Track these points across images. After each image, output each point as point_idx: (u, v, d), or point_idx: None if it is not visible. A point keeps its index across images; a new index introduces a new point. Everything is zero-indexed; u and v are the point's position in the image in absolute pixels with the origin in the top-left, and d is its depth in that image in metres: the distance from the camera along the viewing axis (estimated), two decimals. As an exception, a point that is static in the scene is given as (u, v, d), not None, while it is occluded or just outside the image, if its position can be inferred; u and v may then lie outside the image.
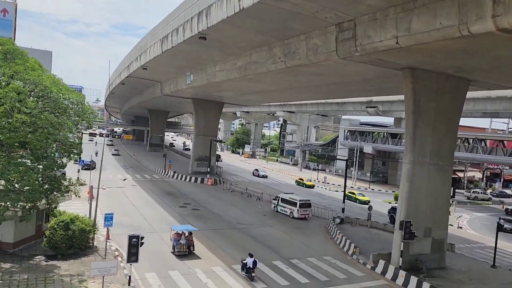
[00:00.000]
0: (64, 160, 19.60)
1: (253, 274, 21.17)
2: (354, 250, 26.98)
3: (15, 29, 77.34)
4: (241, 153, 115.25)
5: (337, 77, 29.61)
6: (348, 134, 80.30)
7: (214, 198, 44.45)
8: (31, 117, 16.49)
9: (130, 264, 17.09)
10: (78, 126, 20.03)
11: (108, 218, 22.31)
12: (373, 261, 24.77)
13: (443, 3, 15.98)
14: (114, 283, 18.83)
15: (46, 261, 21.29)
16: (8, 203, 16.37)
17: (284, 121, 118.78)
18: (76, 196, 21.31)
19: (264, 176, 68.88)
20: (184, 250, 24.48)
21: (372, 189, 66.50)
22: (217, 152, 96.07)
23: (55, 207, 22.15)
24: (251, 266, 21.09)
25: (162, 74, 49.38)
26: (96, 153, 73.69)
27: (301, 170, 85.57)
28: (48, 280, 18.88)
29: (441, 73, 23.83)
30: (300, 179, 65.26)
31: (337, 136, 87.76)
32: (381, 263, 24.10)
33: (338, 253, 27.63)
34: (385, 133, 73.57)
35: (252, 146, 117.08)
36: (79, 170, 47.30)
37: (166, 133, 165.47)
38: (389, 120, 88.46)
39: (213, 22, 25.06)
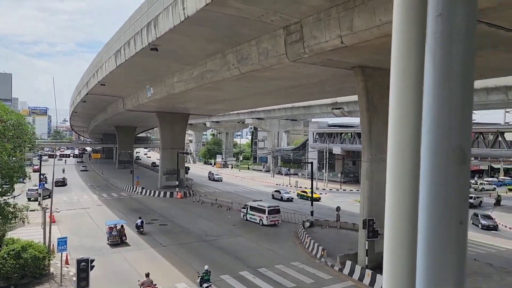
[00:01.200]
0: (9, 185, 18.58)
1: None
2: (322, 253, 26.77)
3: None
4: (213, 163, 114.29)
5: (293, 80, 29.56)
6: (317, 137, 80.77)
7: (183, 211, 43.58)
8: (-38, 142, 15.64)
9: (81, 290, 16.22)
10: (21, 148, 19.04)
11: (61, 243, 21.32)
12: (340, 262, 24.59)
13: (380, 0, 16.05)
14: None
15: (-3, 294, 20.14)
16: None
17: (255, 128, 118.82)
18: (24, 222, 20.24)
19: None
20: (116, 240, 29.61)
21: (344, 190, 66.93)
22: (188, 164, 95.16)
23: (3, 235, 20.92)
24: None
25: (121, 89, 48.43)
26: (63, 170, 73.26)
27: (273, 176, 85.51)
28: (-3, 314, 17.78)
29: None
30: (303, 191, 57.21)
31: (307, 140, 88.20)
32: (348, 263, 23.94)
33: (307, 257, 27.34)
34: (352, 133, 74.38)
35: (224, 155, 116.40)
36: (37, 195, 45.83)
37: (138, 149, 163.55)
38: (356, 121, 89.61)
39: (161, 33, 24.62)
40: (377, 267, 23.65)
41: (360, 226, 23.91)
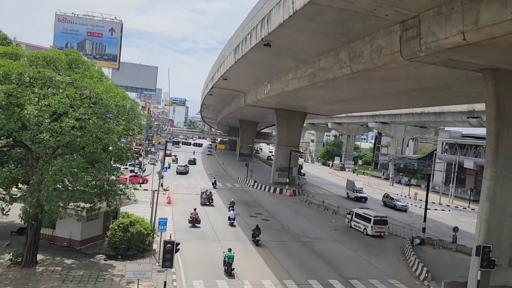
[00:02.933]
0: (119, 165, 20.43)
1: None
2: (426, 275, 23.97)
3: (120, 46, 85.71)
4: (330, 165, 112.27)
5: (412, 82, 26.97)
6: (446, 147, 73.45)
7: (288, 209, 43.47)
8: (80, 121, 17.55)
9: (165, 270, 17.00)
10: (129, 132, 20.76)
11: (162, 223, 22.73)
12: (444, 289, 21.71)
13: (514, -12, 13.45)
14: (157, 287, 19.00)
15: (105, 260, 22.36)
16: (60, 202, 17.40)
17: (379, 133, 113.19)
18: (130, 199, 22.13)
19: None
20: (205, 201, 41.08)
21: (472, 209, 59.54)
22: (304, 163, 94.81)
23: (114, 209, 23.13)
24: None
25: (241, 84, 50.18)
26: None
27: (392, 185, 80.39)
28: (100, 278, 19.72)
29: (532, 73, 20.26)
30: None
31: (435, 150, 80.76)
32: (454, 293, 20.99)
33: (408, 277, 24.79)
34: (489, 147, 65.64)
35: (344, 158, 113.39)
36: (162, 176, 50.24)
37: (261, 144, 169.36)
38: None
39: (272, 28, 24.60)
40: (490, 303, 20.35)
41: (473, 253, 20.70)
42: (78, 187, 18.22)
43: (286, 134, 60.40)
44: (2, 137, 17.91)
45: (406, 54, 19.92)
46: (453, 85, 26.41)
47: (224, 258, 22.69)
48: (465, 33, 15.83)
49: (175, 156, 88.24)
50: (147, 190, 44.15)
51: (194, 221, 32.48)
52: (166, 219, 23.29)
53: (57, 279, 18.97)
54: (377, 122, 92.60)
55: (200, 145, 79.10)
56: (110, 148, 19.51)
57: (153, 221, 25.61)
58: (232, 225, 33.65)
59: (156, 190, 27.70)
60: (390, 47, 21.07)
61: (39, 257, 21.18)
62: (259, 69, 39.56)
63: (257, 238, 28.53)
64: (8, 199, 20.85)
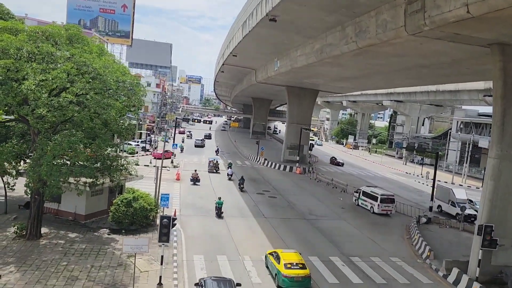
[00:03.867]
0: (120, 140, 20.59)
1: None
2: (428, 253, 23.82)
3: (133, 22, 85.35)
4: (344, 144, 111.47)
5: (419, 58, 26.22)
6: (461, 126, 71.98)
7: (296, 187, 43.49)
8: (78, 97, 17.64)
9: (162, 245, 17.26)
10: (130, 108, 20.80)
11: (164, 199, 23.01)
12: (445, 268, 21.56)
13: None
14: (157, 261, 19.33)
15: (108, 234, 22.84)
16: (60, 177, 17.67)
17: (395, 111, 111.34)
18: (131, 174, 22.40)
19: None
20: (212, 169, 47.18)
21: (485, 189, 58.63)
22: (317, 141, 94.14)
23: (118, 184, 23.42)
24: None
25: (251, 60, 49.65)
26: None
27: (405, 164, 79.51)
28: (101, 252, 20.17)
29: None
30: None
31: (450, 129, 79.28)
32: (455, 271, 20.82)
33: (410, 255, 24.69)
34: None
35: (358, 137, 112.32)
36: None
37: (277, 124, 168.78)
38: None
39: (276, 1, 24.06)
40: (491, 282, 20.18)
41: (475, 232, 20.44)
42: (77, 162, 18.45)
43: (297, 111, 59.92)
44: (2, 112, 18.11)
45: (410, 29, 19.34)
46: (462, 61, 25.57)
47: (216, 204, 29.26)
48: (469, 6, 15.21)
49: (189, 131, 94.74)
50: (165, 167, 45.27)
51: (195, 179, 39.97)
52: (168, 194, 23.58)
53: (59, 252, 19.48)
54: (391, 100, 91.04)
55: (210, 122, 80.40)
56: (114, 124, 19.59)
57: (156, 196, 25.89)
58: (230, 179, 42.87)
59: (158, 166, 27.85)
60: (395, 22, 20.48)
61: (44, 230, 21.74)
62: (267, 46, 39.02)
63: (241, 186, 38.74)
64: (14, 173, 21.37)
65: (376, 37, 22.38)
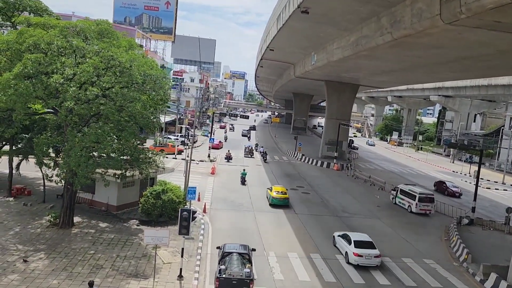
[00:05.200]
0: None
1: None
2: (466, 256, 22.45)
3: (176, 19, 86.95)
4: (388, 140, 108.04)
5: (460, 49, 24.65)
6: (515, 123, 67.59)
7: (332, 183, 42.58)
8: (104, 90, 18.01)
9: (183, 237, 17.33)
10: (157, 102, 21.00)
11: (191, 192, 23.04)
12: (483, 272, 20.21)
13: None
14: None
15: (138, 225, 23.32)
16: (87, 169, 18.16)
17: (444, 107, 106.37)
18: (158, 167, 22.71)
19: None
20: (247, 154, 55.78)
21: (540, 190, 54.82)
22: (369, 141, 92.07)
23: (147, 177, 23.80)
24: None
25: (288, 55, 49.10)
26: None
27: (452, 162, 75.81)
28: (128, 242, 20.62)
29: None
30: None
31: (503, 125, 74.70)
32: (493, 276, 19.45)
33: (446, 258, 23.38)
34: None
35: (403, 133, 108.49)
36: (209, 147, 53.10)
37: (320, 120, 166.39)
38: None
39: (306, -7, 23.48)
40: (535, 291, 18.69)
41: (516, 236, 18.99)
42: (104, 154, 18.90)
43: (337, 106, 58.61)
44: (33, 104, 18.80)
45: (446, 17, 18.18)
46: (509, 52, 23.76)
47: (241, 175, 38.23)
48: (508, -10, 14.02)
49: (231, 125, 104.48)
50: (202, 161, 46.46)
51: (228, 158, 50.86)
52: (195, 187, 23.56)
53: (88, 241, 20.10)
54: (439, 95, 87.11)
55: (247, 117, 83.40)
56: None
57: (186, 189, 26.09)
58: (265, 161, 52.90)
59: (188, 160, 28.08)
60: (430, 10, 19.36)
61: (77, 219, 22.54)
62: (302, 39, 38.38)
63: (264, 158, 52.67)
64: (51, 164, 22.23)
65: (411, 27, 21.28)
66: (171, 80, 22.05)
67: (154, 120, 20.63)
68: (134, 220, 24.09)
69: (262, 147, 60.22)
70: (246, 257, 17.56)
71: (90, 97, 17.40)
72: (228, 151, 52.57)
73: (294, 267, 19.97)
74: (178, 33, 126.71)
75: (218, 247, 19.17)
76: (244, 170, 38.89)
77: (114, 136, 19.34)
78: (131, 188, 26.03)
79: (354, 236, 21.86)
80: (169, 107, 43.82)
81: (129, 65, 18.34)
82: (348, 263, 20.69)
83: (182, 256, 17.52)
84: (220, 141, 64.01)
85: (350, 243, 21.09)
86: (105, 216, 24.17)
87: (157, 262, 18.47)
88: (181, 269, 17.35)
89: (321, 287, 18.06)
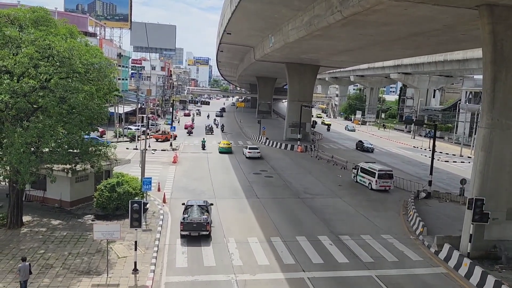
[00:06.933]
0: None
1: None
2: (421, 229, 23.02)
3: (131, 5, 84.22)
4: (352, 119, 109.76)
5: (408, 26, 24.87)
6: (470, 97, 69.84)
7: (296, 165, 42.77)
8: (42, 82, 17.03)
9: (135, 230, 16.83)
10: (103, 92, 20.13)
11: (146, 183, 22.53)
12: (437, 244, 20.79)
13: None
14: (139, 247, 18.96)
15: (93, 221, 22.51)
16: (29, 165, 17.24)
17: (404, 84, 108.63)
18: (107, 159, 21.98)
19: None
20: (208, 132, 64.55)
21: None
22: (329, 119, 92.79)
23: (99, 170, 22.95)
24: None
25: (247, 38, 48.41)
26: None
27: (413, 138, 77.88)
28: (81, 238, 19.90)
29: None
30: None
31: (459, 100, 77.12)
32: (446, 247, 20.03)
33: (403, 232, 23.92)
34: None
35: (366, 112, 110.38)
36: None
37: (285, 101, 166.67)
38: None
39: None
40: (485, 257, 19.41)
41: (467, 206, 19.53)
42: (48, 148, 18.00)
43: (298, 88, 58.68)
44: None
45: (391, -7, 18.15)
46: (455, 26, 24.14)
47: (202, 142, 49.68)
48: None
49: (198, 109, 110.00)
50: (164, 150, 45.57)
51: (189, 132, 63.55)
52: (151, 178, 23.10)
53: (38, 240, 19.27)
54: (399, 72, 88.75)
55: (207, 103, 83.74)
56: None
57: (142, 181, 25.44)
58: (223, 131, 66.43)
59: (143, 149, 27.34)
60: (375, -14, 19.26)
61: (27, 218, 21.57)
62: (258, 21, 37.80)
63: (222, 129, 67.05)
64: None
65: (359, 4, 21.17)
66: (118, 68, 20.98)
67: (101, 111, 19.70)
68: (90, 215, 23.28)
69: (222, 125, 73.20)
70: (204, 209, 22.11)
71: (26, 89, 16.39)
72: (193, 121, 72.12)
73: (253, 251, 19.86)
74: (137, 20, 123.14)
75: (183, 204, 23.26)
76: (203, 138, 51.77)
77: (62, 130, 18.40)
78: (85, 183, 25.10)
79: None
80: (121, 96, 42.22)
81: (69, 54, 17.35)
82: None
83: (135, 250, 17.01)
84: (192, 122, 73.60)
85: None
86: (58, 213, 23.22)
87: (112, 257, 17.99)
88: (135, 263, 16.88)
89: (280, 270, 18.03)
